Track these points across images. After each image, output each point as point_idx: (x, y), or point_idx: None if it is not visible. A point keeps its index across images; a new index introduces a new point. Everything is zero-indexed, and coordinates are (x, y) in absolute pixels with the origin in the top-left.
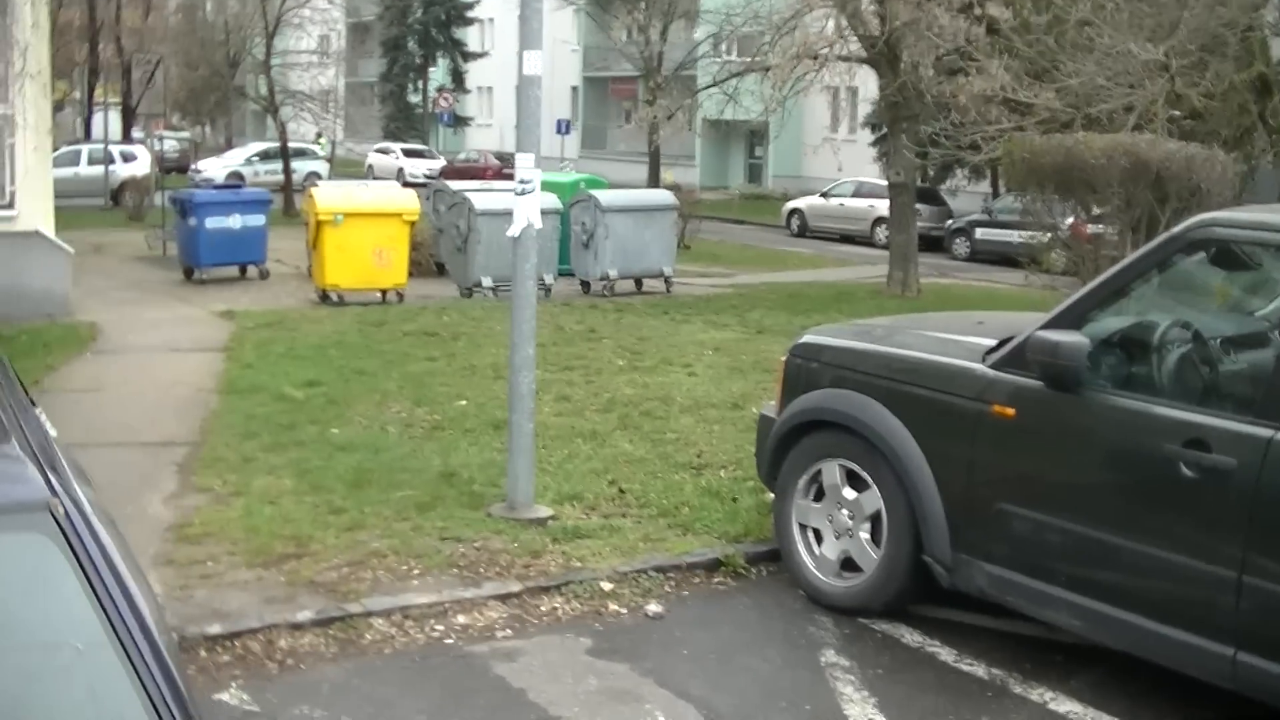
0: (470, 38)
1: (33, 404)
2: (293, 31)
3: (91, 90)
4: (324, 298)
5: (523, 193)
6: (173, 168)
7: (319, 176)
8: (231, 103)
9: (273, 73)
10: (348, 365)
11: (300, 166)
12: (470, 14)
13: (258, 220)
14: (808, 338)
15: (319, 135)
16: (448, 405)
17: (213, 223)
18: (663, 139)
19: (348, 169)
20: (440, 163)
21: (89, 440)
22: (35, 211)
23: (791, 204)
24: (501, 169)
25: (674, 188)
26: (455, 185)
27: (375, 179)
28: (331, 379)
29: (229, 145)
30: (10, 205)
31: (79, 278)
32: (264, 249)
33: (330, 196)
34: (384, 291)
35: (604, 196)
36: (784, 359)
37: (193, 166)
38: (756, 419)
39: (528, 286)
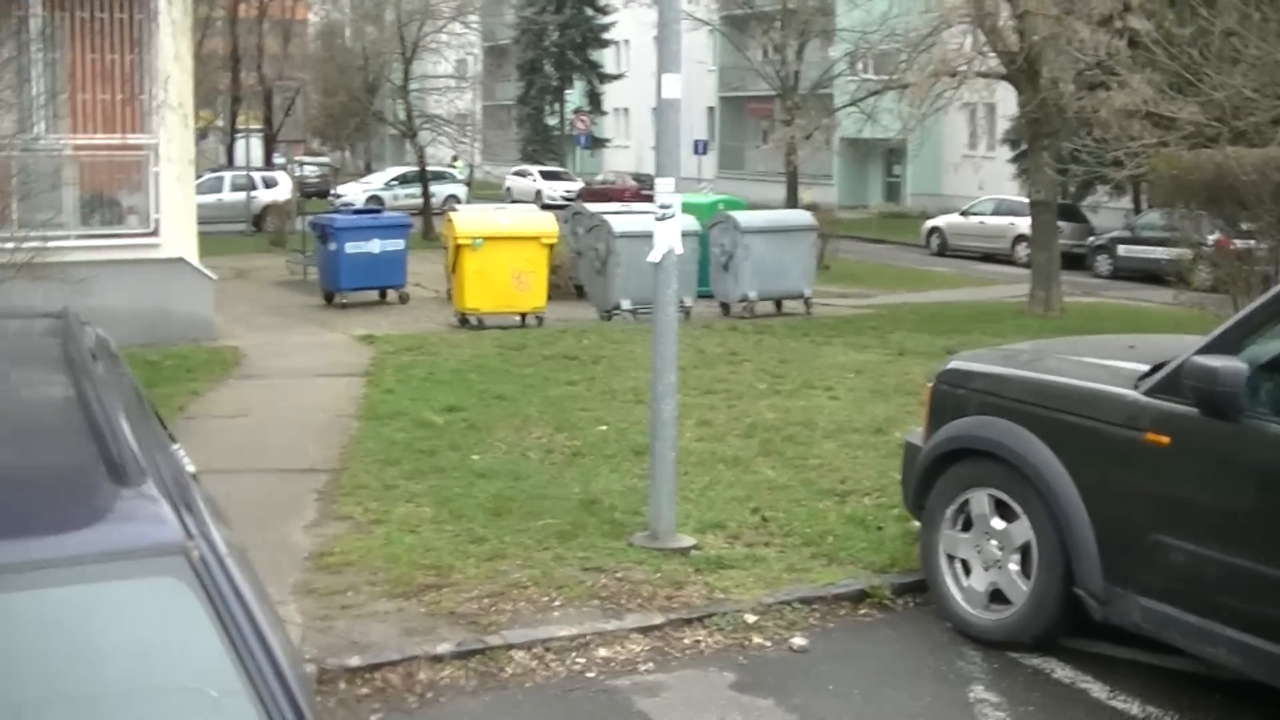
0: (606, 60)
1: (171, 440)
2: (430, 56)
3: (234, 118)
4: (463, 321)
5: (663, 218)
6: (313, 192)
7: (457, 200)
8: (370, 127)
9: (410, 97)
10: (488, 390)
11: (439, 190)
12: (606, 36)
13: (397, 244)
14: (955, 364)
15: (454, 158)
16: (588, 430)
17: (352, 247)
18: (800, 158)
19: (485, 192)
20: (578, 185)
21: (233, 467)
22: (179, 239)
23: (931, 222)
24: (639, 190)
25: (812, 207)
26: (593, 208)
27: (513, 202)
28: (471, 404)
29: (368, 170)
30: (155, 233)
31: (222, 303)
32: (403, 273)
33: (469, 221)
34: (523, 315)
35: (743, 217)
36: (930, 385)
37: (333, 191)
38: (900, 444)
39: (669, 312)
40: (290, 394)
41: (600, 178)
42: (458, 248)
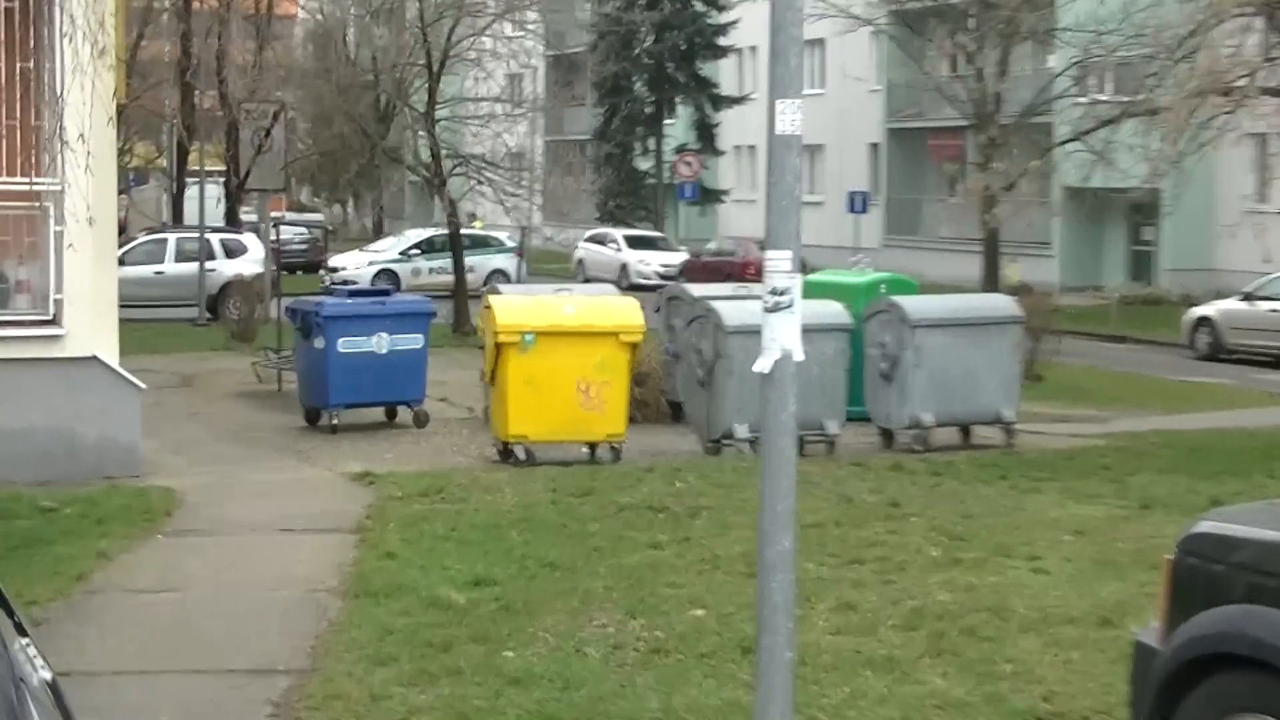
0: (723, 75)
1: (20, 632)
2: (467, 70)
3: (183, 155)
4: (505, 454)
5: (775, 308)
6: (297, 264)
7: (506, 277)
8: (381, 171)
9: (439, 129)
10: (534, 554)
11: (479, 262)
12: (723, 41)
13: (413, 341)
14: (1207, 526)
15: (472, 217)
16: (676, 616)
17: (347, 344)
18: (1002, 217)
19: (549, 266)
20: (680, 256)
21: (149, 666)
22: (91, 329)
23: (1197, 311)
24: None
25: (1020, 290)
26: (697, 290)
27: (587, 279)
28: (509, 575)
29: (378, 232)
30: (54, 321)
31: (156, 423)
32: (421, 382)
33: (516, 308)
34: (592, 445)
35: (913, 306)
36: (1170, 558)
37: (326, 263)
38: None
39: (783, 447)
40: (244, 558)
41: (712, 246)
42: (499, 347)
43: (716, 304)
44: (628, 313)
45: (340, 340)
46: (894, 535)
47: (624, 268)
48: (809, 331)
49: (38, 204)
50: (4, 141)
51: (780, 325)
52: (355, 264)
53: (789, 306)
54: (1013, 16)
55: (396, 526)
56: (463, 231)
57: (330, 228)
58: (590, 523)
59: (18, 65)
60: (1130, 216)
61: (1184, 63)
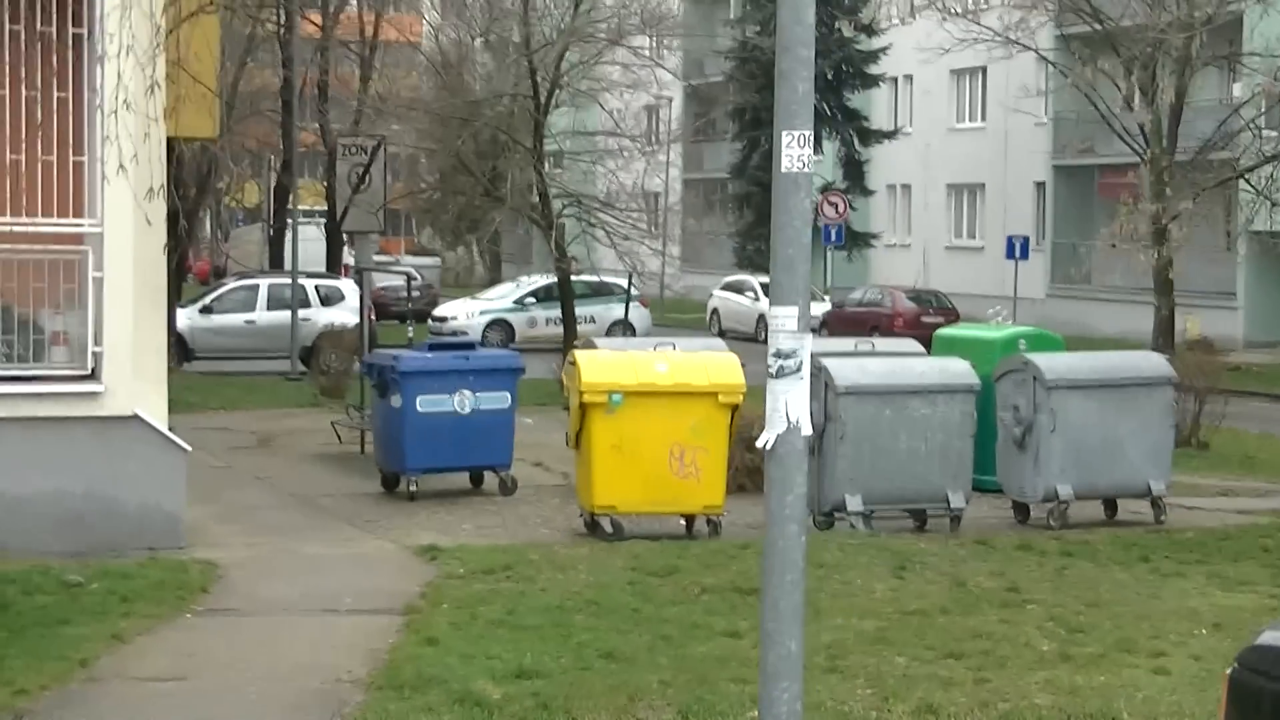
0: (875, 107)
1: None
2: (588, 101)
3: (282, 195)
4: (592, 526)
5: (780, 373)
6: (412, 313)
7: (631, 330)
8: (486, 211)
9: (556, 166)
10: (594, 643)
11: (599, 312)
12: (873, 69)
13: (499, 400)
14: (1271, 638)
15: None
16: (735, 716)
17: (427, 404)
18: (1169, 258)
19: (685, 315)
20: (824, 306)
21: None
22: (134, 385)
23: None
24: (920, 315)
25: (1198, 345)
26: (817, 346)
27: (722, 332)
28: (559, 667)
29: (496, 277)
30: (93, 375)
31: (219, 488)
32: (508, 445)
33: (603, 365)
34: (689, 517)
35: (1049, 364)
36: (1229, 673)
37: (434, 312)
38: None
39: (788, 534)
40: (272, 642)
41: (856, 295)
42: (584, 407)
43: (828, 361)
44: (728, 371)
45: (419, 398)
46: (1005, 625)
47: (761, 319)
48: (932, 393)
49: (77, 247)
50: (40, 179)
51: (787, 393)
52: (466, 313)
53: (796, 371)
54: (1194, 37)
55: (449, 608)
56: (582, 278)
57: (453, 270)
58: (667, 606)
59: (55, 95)
60: None
61: None
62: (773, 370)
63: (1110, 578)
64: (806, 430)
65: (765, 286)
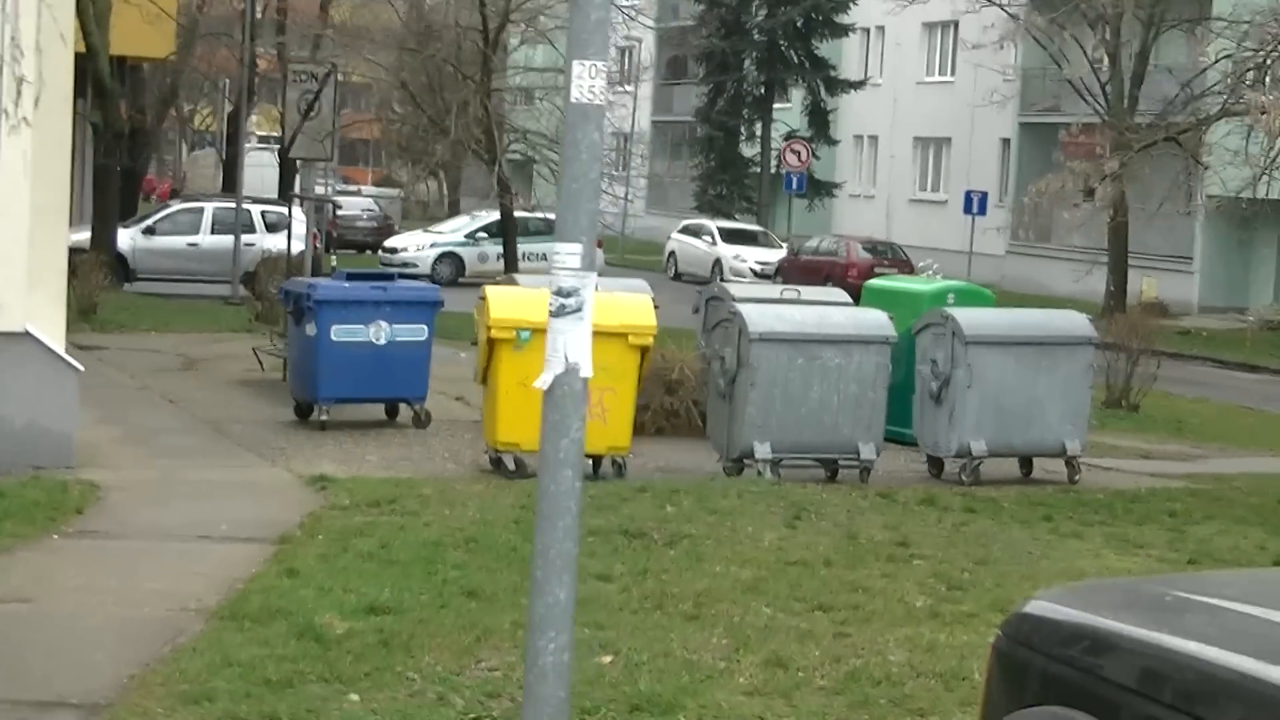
0: (845, 57)
1: None
2: (538, 39)
3: (238, 119)
4: (496, 463)
5: (561, 311)
6: (365, 243)
7: None
8: (435, 144)
9: (517, 100)
10: (460, 580)
11: (548, 249)
12: (844, 19)
13: (416, 332)
14: (1035, 607)
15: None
16: (578, 661)
17: (341, 333)
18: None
19: (647, 258)
20: (781, 253)
21: None
22: (26, 298)
23: None
24: (874, 266)
25: (1152, 306)
26: (738, 291)
27: (678, 274)
28: (416, 603)
29: (455, 210)
30: None
31: (129, 409)
32: (424, 378)
33: (513, 302)
34: (595, 459)
35: (969, 319)
36: (994, 642)
37: (385, 243)
38: None
39: (561, 480)
40: (132, 568)
41: (812, 243)
42: (491, 343)
43: (743, 307)
44: (639, 312)
45: (333, 327)
46: (885, 580)
47: (717, 263)
48: (847, 343)
49: None
50: None
51: (566, 333)
52: (416, 245)
53: (576, 311)
54: (1158, 2)
55: (324, 539)
56: (534, 215)
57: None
58: None
59: None
60: None
61: None
62: (553, 308)
63: (1007, 536)
64: (586, 372)
65: (723, 231)
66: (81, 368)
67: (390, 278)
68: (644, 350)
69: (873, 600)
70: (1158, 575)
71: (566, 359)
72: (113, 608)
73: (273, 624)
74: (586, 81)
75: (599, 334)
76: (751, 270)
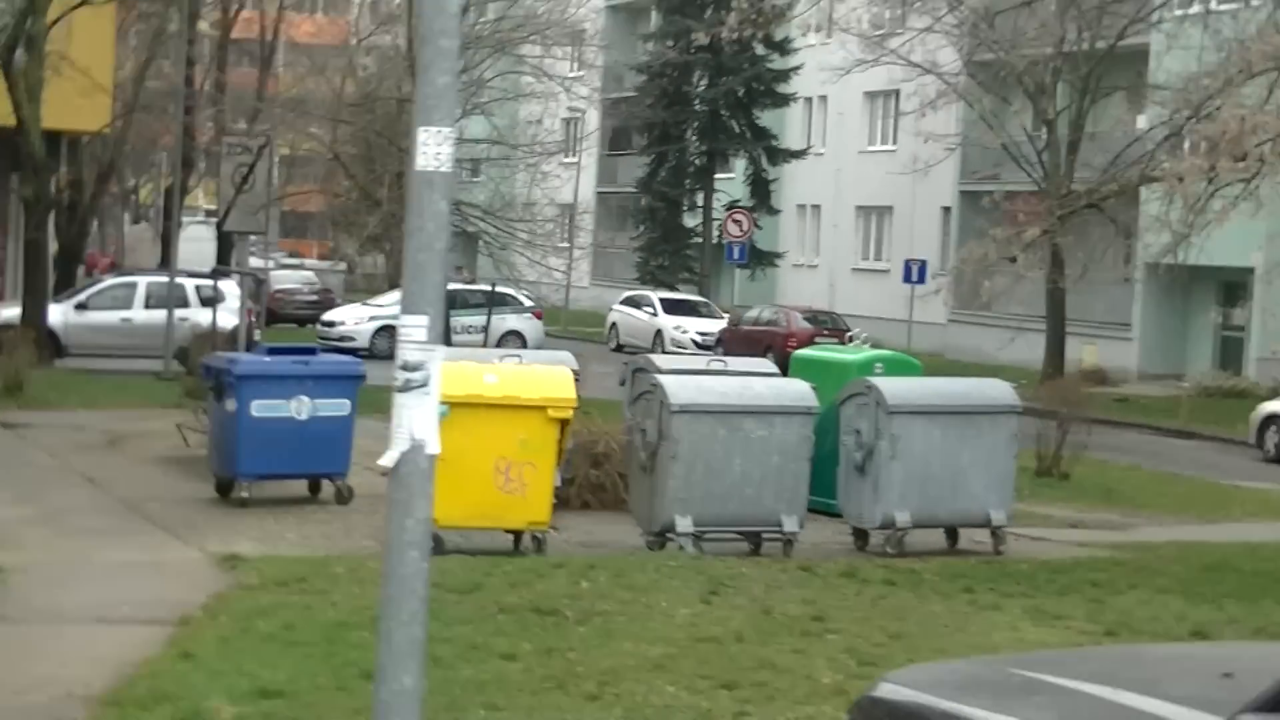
0: (787, 126)
1: None
2: (494, 110)
3: (181, 193)
4: None
5: (406, 387)
6: (305, 316)
7: (521, 340)
8: (371, 216)
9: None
10: (360, 662)
11: (493, 322)
12: (784, 89)
13: (338, 407)
14: (885, 690)
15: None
16: None
17: (262, 409)
18: (1080, 293)
19: (588, 329)
20: (722, 323)
21: None
22: None
23: (1267, 407)
24: (815, 335)
25: (1092, 374)
26: (663, 362)
27: (620, 346)
28: (311, 686)
29: (394, 284)
30: None
31: (44, 488)
32: (346, 454)
33: None
34: (516, 534)
35: (891, 388)
36: None
37: (324, 317)
38: None
39: (407, 561)
40: (23, 653)
41: (752, 314)
42: None
43: (664, 379)
44: (559, 384)
45: (254, 402)
46: (796, 656)
47: (659, 334)
48: (768, 414)
49: None
50: None
51: (412, 409)
52: (355, 318)
53: (422, 385)
54: (1096, 68)
55: (226, 620)
56: (477, 288)
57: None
58: (456, 625)
59: None
60: (1223, 294)
61: (1207, 121)
62: (399, 383)
63: (925, 609)
64: (433, 449)
65: (665, 301)
66: None
67: (313, 351)
68: (564, 423)
69: (779, 677)
70: (1010, 655)
71: (412, 435)
72: None
73: (157, 709)
74: (433, 149)
75: (518, 407)
76: (693, 341)
